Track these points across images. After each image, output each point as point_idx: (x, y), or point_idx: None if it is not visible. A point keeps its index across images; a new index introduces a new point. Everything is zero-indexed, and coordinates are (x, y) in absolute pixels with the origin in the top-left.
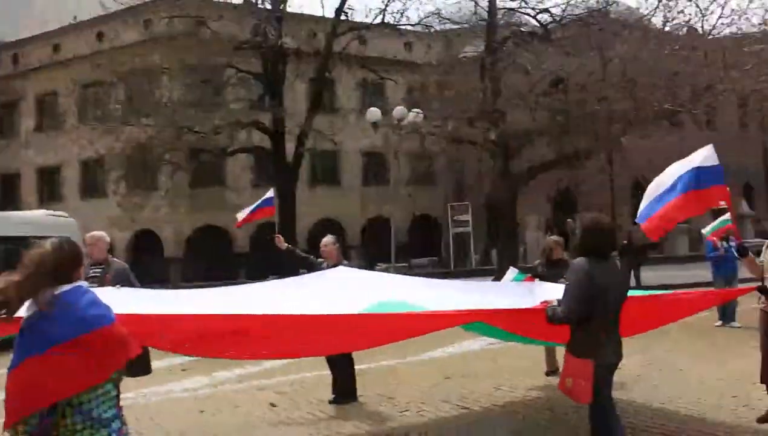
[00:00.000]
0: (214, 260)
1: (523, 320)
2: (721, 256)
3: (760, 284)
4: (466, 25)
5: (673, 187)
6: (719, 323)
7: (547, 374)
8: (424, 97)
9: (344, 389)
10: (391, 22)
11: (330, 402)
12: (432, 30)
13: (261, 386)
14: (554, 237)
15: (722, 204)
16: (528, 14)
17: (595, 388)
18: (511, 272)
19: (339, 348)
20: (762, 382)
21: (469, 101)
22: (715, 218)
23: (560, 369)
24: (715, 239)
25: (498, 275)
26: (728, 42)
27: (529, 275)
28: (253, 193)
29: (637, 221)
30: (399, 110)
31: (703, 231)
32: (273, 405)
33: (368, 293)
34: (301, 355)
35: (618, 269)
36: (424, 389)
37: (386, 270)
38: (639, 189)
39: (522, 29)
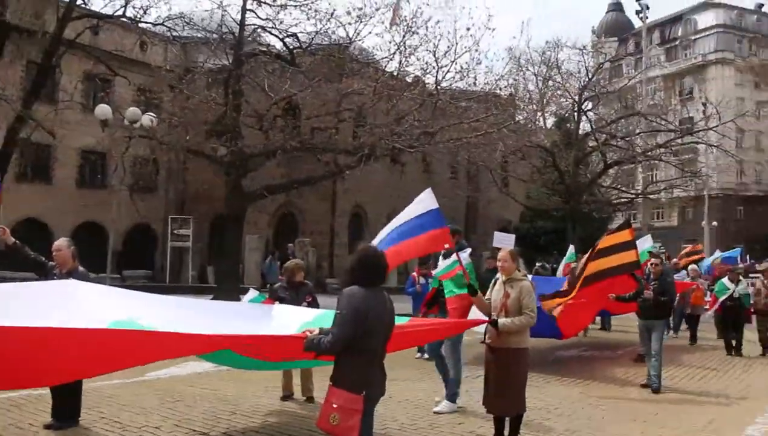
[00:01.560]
0: None
1: (278, 349)
2: (418, 292)
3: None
4: (215, 36)
5: (403, 231)
6: (418, 355)
7: (283, 398)
8: (157, 101)
9: (64, 411)
10: (133, 17)
11: (46, 427)
12: (174, 33)
13: None
14: (297, 260)
15: (446, 247)
16: (276, 36)
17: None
18: (251, 293)
19: (74, 373)
20: (484, 405)
21: (208, 113)
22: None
23: (294, 394)
24: (416, 274)
25: (217, 294)
26: (452, 95)
27: (269, 297)
28: None
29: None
30: (132, 112)
31: (434, 273)
32: None
33: (102, 311)
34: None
35: (386, 299)
36: (153, 411)
37: (99, 281)
38: (358, 218)
39: (268, 49)
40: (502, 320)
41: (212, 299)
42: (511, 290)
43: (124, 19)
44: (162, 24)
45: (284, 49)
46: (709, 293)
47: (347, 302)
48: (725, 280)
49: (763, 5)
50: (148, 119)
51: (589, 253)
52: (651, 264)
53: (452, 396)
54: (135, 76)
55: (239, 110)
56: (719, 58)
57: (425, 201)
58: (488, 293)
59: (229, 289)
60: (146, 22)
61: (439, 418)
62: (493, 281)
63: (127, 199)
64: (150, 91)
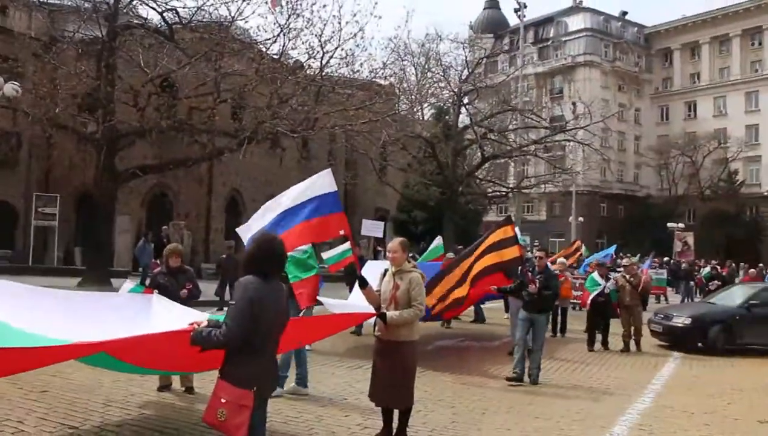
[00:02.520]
0: None
1: (161, 352)
2: None
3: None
4: (87, 4)
5: (295, 212)
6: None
7: (160, 389)
8: (21, 70)
9: None
10: None
11: None
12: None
13: None
14: (174, 244)
15: (341, 233)
16: (155, 9)
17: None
18: (130, 283)
19: None
20: (370, 398)
21: (78, 86)
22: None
23: (172, 384)
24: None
25: (86, 277)
26: (336, 81)
27: (149, 286)
28: None
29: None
30: None
31: (324, 256)
32: None
33: None
34: None
35: (283, 290)
36: (17, 404)
37: None
38: (235, 202)
39: (146, 23)
40: (390, 313)
41: (80, 282)
42: (400, 281)
43: None
44: None
45: (162, 23)
46: (580, 287)
47: (242, 293)
48: (595, 275)
49: (627, 13)
50: (11, 89)
51: (473, 249)
52: (535, 257)
53: (302, 380)
54: None
55: (113, 85)
56: (587, 61)
57: (323, 183)
58: (378, 284)
59: (98, 272)
60: None
61: (326, 411)
62: (383, 272)
63: None
64: (13, 60)
